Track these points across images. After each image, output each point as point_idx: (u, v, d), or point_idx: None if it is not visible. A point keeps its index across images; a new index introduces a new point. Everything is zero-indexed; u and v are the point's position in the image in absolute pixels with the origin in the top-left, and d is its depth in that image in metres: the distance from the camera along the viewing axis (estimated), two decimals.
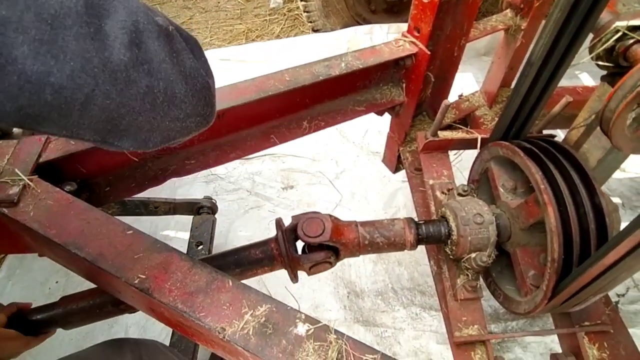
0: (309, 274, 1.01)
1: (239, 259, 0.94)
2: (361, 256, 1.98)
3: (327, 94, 1.23)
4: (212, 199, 1.85)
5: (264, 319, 0.65)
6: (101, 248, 0.71)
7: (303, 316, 0.65)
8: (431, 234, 1.05)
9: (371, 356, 0.61)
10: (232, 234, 2.08)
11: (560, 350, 1.68)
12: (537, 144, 1.00)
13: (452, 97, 1.54)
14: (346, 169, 2.32)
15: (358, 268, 1.93)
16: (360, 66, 1.14)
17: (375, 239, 1.02)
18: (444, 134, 1.27)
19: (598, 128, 1.05)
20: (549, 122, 1.18)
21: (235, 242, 2.05)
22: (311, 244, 0.97)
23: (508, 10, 1.40)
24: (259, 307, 0.66)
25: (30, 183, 0.79)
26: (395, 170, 1.70)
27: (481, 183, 1.23)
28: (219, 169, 2.32)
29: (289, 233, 0.98)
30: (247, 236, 2.07)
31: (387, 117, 1.61)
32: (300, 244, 1.00)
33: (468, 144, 1.28)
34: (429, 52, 1.18)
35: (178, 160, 1.11)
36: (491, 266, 1.18)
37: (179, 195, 2.18)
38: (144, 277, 0.68)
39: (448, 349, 1.74)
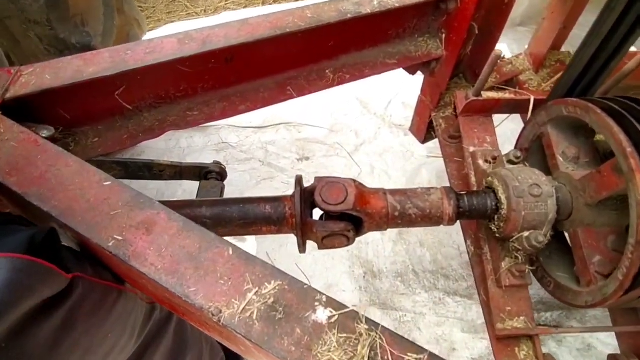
0: (320, 247, 0.86)
1: (245, 210, 0.80)
2: (379, 234, 1.83)
3: (355, 42, 1.05)
4: (221, 164, 1.70)
5: (272, 299, 0.49)
6: (70, 201, 0.56)
7: (324, 298, 0.50)
8: (475, 207, 0.88)
9: (415, 356, 0.46)
10: None
11: (600, 347, 1.52)
12: (616, 100, 0.80)
13: None
14: (366, 141, 2.14)
15: (376, 247, 1.78)
16: (396, 5, 0.95)
17: (407, 210, 0.85)
18: (489, 95, 1.08)
19: None
20: (618, 82, 0.97)
21: None
22: (331, 213, 0.81)
23: None
24: (266, 283, 0.50)
25: None
26: (425, 140, 1.52)
27: (531, 152, 1.04)
28: (231, 137, 2.17)
29: (307, 194, 0.82)
30: None
31: (414, 85, 1.42)
32: (318, 212, 0.84)
33: (517, 107, 1.09)
34: None
35: (179, 110, 0.95)
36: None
37: None
38: (120, 238, 0.53)
39: (473, 338, 1.59)
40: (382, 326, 0.48)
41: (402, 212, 0.85)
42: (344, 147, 2.11)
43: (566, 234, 0.96)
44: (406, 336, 1.52)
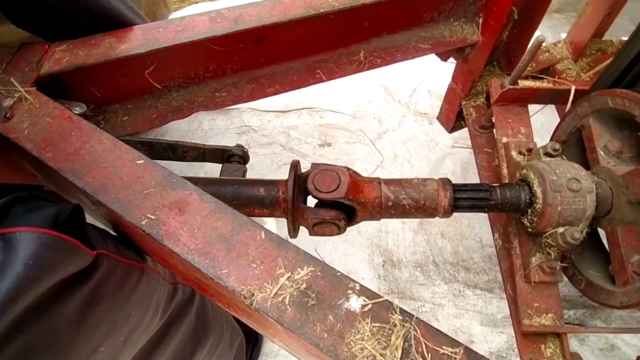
0: (310, 233, 0.85)
1: (239, 191, 0.80)
2: (400, 223, 1.81)
3: (388, 24, 1.01)
4: (243, 147, 1.70)
5: (305, 285, 0.48)
6: (104, 178, 0.56)
7: (358, 286, 0.48)
8: (507, 200, 0.84)
9: (450, 349, 0.44)
10: None
11: (624, 347, 1.48)
12: None
13: None
14: (390, 129, 2.10)
15: (396, 236, 1.76)
16: None
17: (401, 201, 0.83)
18: (526, 84, 1.04)
19: None
20: None
21: None
22: (322, 201, 0.80)
23: None
24: (299, 269, 0.49)
25: (27, 95, 0.64)
26: (452, 129, 1.48)
27: (568, 146, 1.00)
28: (253, 120, 2.16)
29: (302, 180, 0.81)
30: None
31: (440, 73, 1.37)
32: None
33: (555, 97, 1.04)
34: None
35: (207, 91, 0.94)
36: None
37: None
38: (153, 217, 0.53)
39: (492, 331, 1.57)
40: (417, 317, 0.46)
41: (396, 202, 0.83)
42: (366, 134, 2.07)
43: (601, 231, 0.92)
44: None
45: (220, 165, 1.69)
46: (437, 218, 0.87)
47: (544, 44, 1.40)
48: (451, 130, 1.48)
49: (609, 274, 0.88)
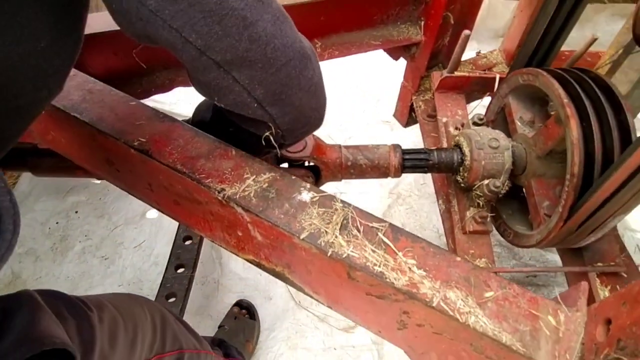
0: None
1: None
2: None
3: (344, 23, 1.20)
4: None
5: (266, 184, 0.61)
6: (102, 114, 0.69)
7: (308, 186, 0.62)
8: (443, 160, 1.01)
9: (378, 224, 0.58)
10: None
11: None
12: (559, 69, 0.95)
13: (469, 55, 1.49)
14: (354, 135, 2.29)
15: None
16: None
17: (359, 161, 0.98)
18: (461, 73, 1.23)
19: (624, 62, 1.01)
20: (573, 62, 1.13)
21: None
22: (292, 160, 0.93)
23: None
24: (262, 174, 0.63)
25: None
26: (407, 124, 1.66)
27: (497, 123, 1.19)
28: None
29: None
30: None
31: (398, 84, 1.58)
32: None
33: (485, 84, 1.23)
34: None
35: (186, 72, 1.07)
36: (502, 209, 1.14)
37: None
38: (144, 140, 0.65)
39: None
40: (354, 205, 0.60)
41: (354, 162, 0.98)
42: (333, 139, 2.24)
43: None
44: None
45: None
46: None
47: (482, 52, 1.64)
48: (406, 124, 1.66)
49: (530, 224, 1.04)
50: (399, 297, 0.53)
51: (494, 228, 1.09)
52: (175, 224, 1.68)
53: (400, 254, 0.55)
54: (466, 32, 1.11)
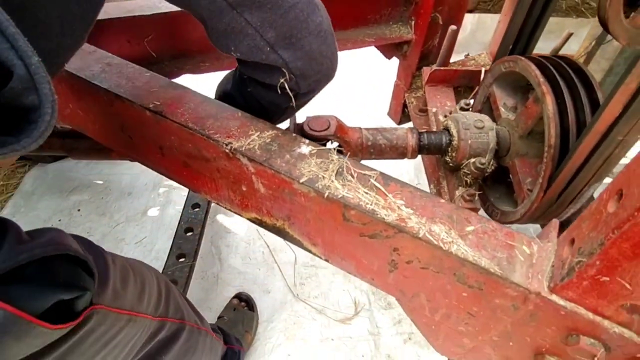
0: None
1: None
2: None
3: (340, 22, 1.29)
4: None
5: (269, 139, 0.68)
6: (120, 82, 0.75)
7: (307, 141, 0.68)
8: (432, 141, 1.08)
9: (370, 172, 0.64)
10: None
11: None
12: (539, 55, 1.04)
13: (457, 58, 1.59)
14: None
15: None
16: None
17: (378, 141, 1.05)
18: (450, 67, 1.32)
19: (597, 53, 1.09)
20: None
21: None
22: (316, 138, 1.00)
23: None
24: (265, 131, 0.69)
25: None
26: (400, 121, 1.74)
27: (483, 112, 1.26)
28: None
29: (299, 126, 1.02)
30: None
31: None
32: None
33: (472, 77, 1.32)
34: None
35: (194, 62, 1.16)
36: (490, 193, 1.21)
37: None
38: (158, 103, 0.72)
39: None
40: (348, 157, 0.66)
41: (374, 142, 1.05)
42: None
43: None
44: (416, 345, 1.60)
45: None
46: None
47: (470, 54, 1.74)
48: (399, 122, 1.74)
49: (515, 204, 1.11)
50: (389, 233, 0.59)
51: (481, 208, 1.15)
52: (176, 220, 1.73)
53: (390, 195, 0.61)
54: (453, 27, 1.20)
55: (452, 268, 0.57)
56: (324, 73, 0.67)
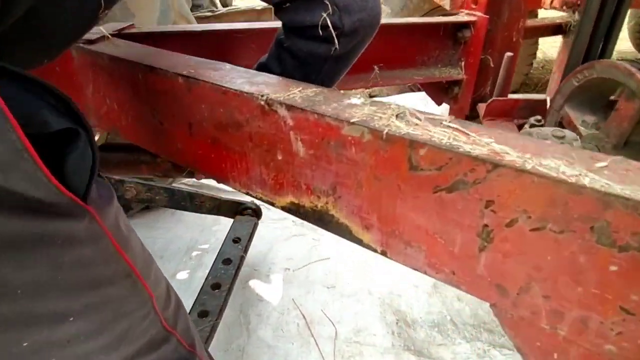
0: None
1: None
2: (413, 287, 1.72)
3: (389, 62, 1.26)
4: (256, 204, 1.80)
5: (313, 94, 0.56)
6: (158, 58, 0.71)
7: (359, 94, 0.56)
8: None
9: (437, 116, 0.50)
10: (273, 253, 1.95)
11: None
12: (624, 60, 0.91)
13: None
14: None
15: (409, 298, 1.66)
16: (420, 21, 1.19)
17: None
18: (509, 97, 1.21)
19: None
20: None
21: (275, 259, 1.91)
22: None
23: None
24: (308, 88, 0.58)
25: (108, 35, 0.84)
26: None
27: None
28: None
29: None
30: (287, 256, 1.92)
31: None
32: None
33: (535, 108, 1.19)
34: (487, 17, 1.22)
35: None
36: None
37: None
38: (192, 71, 0.65)
39: None
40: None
41: None
42: None
43: None
44: None
45: (232, 220, 1.76)
46: None
47: None
48: None
49: None
50: (479, 174, 0.42)
51: None
52: (203, 277, 1.56)
53: (473, 134, 0.45)
54: (509, 53, 1.13)
55: (586, 218, 0.37)
56: (368, 12, 0.61)
